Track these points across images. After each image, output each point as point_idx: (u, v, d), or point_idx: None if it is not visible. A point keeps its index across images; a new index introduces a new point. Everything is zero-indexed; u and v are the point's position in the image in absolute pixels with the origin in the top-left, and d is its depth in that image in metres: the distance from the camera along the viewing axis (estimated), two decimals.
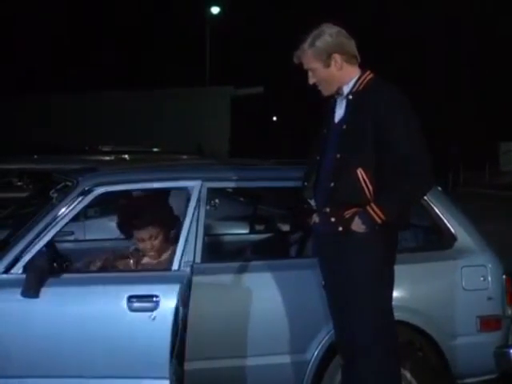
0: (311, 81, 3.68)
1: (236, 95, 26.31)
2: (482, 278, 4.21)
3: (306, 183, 3.74)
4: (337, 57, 3.60)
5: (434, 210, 4.26)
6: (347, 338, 3.66)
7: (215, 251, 5.02)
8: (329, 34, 3.61)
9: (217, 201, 6.09)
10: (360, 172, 3.50)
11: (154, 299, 3.80)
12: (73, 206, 3.99)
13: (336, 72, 3.62)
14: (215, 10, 31.88)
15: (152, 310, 3.79)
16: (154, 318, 3.78)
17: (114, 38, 34.96)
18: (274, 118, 49.26)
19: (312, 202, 3.71)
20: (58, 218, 3.95)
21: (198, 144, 17.68)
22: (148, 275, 4.10)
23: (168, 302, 3.79)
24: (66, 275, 3.94)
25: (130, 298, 3.81)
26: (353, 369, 3.68)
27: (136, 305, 3.80)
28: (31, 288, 3.67)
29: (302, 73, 3.73)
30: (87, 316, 3.83)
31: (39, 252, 3.83)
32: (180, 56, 36.26)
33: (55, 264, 4.26)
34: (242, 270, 4.10)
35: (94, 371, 3.82)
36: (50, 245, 4.25)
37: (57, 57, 32.90)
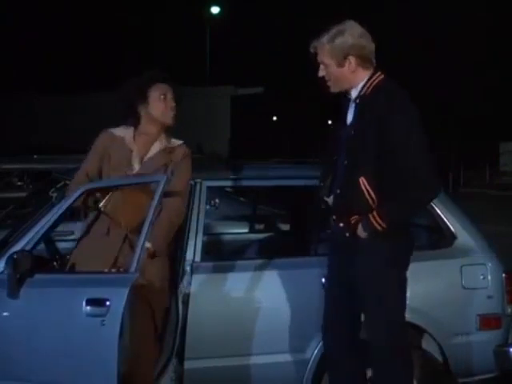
0: (321, 73, 3.63)
1: (236, 95, 26.31)
2: (481, 277, 4.21)
3: (322, 183, 3.72)
4: (352, 59, 3.55)
5: (434, 209, 4.26)
6: (345, 337, 3.66)
7: (215, 250, 5.02)
8: (351, 34, 3.54)
9: (217, 200, 6.11)
10: (362, 181, 3.49)
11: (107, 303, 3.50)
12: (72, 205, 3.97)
13: (348, 74, 3.58)
14: (215, 9, 31.87)
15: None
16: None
17: (114, 38, 34.96)
18: (274, 118, 49.30)
19: (329, 201, 3.69)
20: (57, 217, 3.91)
21: (198, 144, 17.65)
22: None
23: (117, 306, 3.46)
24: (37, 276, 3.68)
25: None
26: (344, 368, 3.71)
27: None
28: (10, 288, 3.57)
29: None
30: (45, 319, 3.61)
31: (22, 251, 3.69)
32: (180, 56, 36.26)
33: (55, 263, 4.29)
34: (241, 269, 4.11)
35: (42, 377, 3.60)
36: (47, 243, 4.23)
37: (57, 57, 32.90)
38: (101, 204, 3.68)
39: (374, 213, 3.48)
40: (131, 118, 3.90)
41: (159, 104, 3.86)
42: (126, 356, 3.50)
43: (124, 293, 3.43)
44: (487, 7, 37.07)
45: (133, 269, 3.48)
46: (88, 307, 3.49)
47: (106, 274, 3.70)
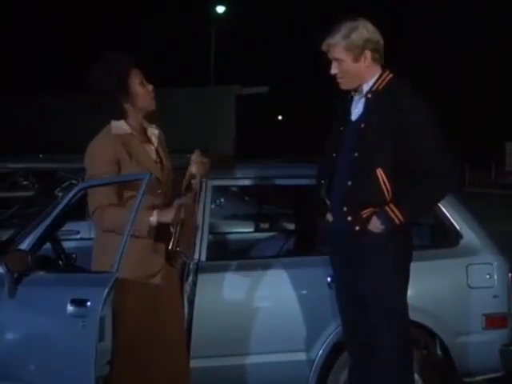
0: (333, 71, 3.62)
1: (241, 94, 26.28)
2: (487, 276, 4.20)
3: (322, 181, 3.71)
4: (368, 54, 3.56)
5: (439, 208, 4.25)
6: (358, 337, 3.64)
7: (220, 249, 5.02)
8: (365, 29, 3.56)
9: (222, 199, 6.11)
10: (379, 172, 3.47)
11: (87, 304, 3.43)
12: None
13: (363, 69, 3.57)
14: (220, 9, 31.87)
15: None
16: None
17: (115, 38, 35.00)
18: (280, 118, 49.29)
19: (327, 201, 3.67)
20: (54, 217, 3.84)
21: (203, 144, 17.65)
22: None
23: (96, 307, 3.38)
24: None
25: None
26: (361, 368, 3.68)
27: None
28: (7, 288, 3.56)
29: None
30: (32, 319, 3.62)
31: (18, 250, 3.68)
32: (185, 55, 36.28)
33: (60, 262, 4.29)
34: (246, 268, 4.10)
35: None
36: (53, 242, 4.23)
37: (57, 57, 32.92)
38: (171, 246, 3.51)
39: (391, 205, 3.46)
40: (117, 112, 3.61)
41: (141, 92, 3.62)
42: (105, 359, 3.44)
43: (103, 293, 3.34)
44: (487, 7, 37.01)
45: (113, 269, 3.36)
46: (71, 307, 3.44)
47: (88, 274, 3.64)
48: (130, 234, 3.37)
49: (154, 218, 3.46)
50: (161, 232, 3.56)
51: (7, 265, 3.53)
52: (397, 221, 3.46)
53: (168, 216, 3.47)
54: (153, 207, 3.52)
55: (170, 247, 3.50)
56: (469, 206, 4.42)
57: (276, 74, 36.75)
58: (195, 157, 3.65)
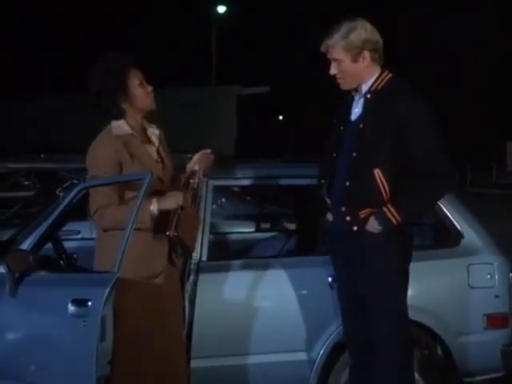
0: (333, 71, 3.62)
1: (242, 94, 26.28)
2: (488, 276, 4.20)
3: (322, 181, 3.71)
4: (366, 54, 3.56)
5: (440, 208, 4.26)
6: (358, 336, 3.64)
7: (221, 249, 5.02)
8: (364, 29, 3.56)
9: (223, 199, 6.11)
10: (377, 172, 3.47)
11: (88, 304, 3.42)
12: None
13: (362, 69, 3.58)
14: (221, 8, 31.87)
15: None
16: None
17: (116, 38, 35.05)
18: (280, 118, 49.33)
19: (327, 200, 3.68)
20: (55, 217, 3.85)
21: (200, 145, 17.61)
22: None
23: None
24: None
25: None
26: (362, 368, 3.68)
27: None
28: (9, 287, 3.56)
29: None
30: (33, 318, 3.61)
31: (19, 250, 3.68)
32: (186, 55, 36.27)
33: (61, 262, 4.29)
34: (247, 268, 4.10)
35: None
36: (54, 242, 4.24)
37: (57, 57, 32.93)
38: (169, 232, 3.48)
39: (389, 206, 3.46)
40: (115, 112, 3.61)
41: (140, 93, 3.62)
42: (107, 359, 3.43)
43: (104, 293, 3.33)
44: (487, 7, 36.98)
45: (115, 268, 3.34)
46: (73, 307, 3.44)
47: (89, 274, 3.64)
48: (134, 227, 3.37)
49: (154, 207, 3.47)
50: (161, 226, 3.54)
51: (8, 265, 3.53)
52: (394, 221, 3.47)
53: (167, 202, 3.49)
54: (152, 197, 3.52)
55: (167, 233, 3.49)
56: (470, 206, 4.42)
57: (276, 74, 36.74)
58: (201, 155, 3.70)
